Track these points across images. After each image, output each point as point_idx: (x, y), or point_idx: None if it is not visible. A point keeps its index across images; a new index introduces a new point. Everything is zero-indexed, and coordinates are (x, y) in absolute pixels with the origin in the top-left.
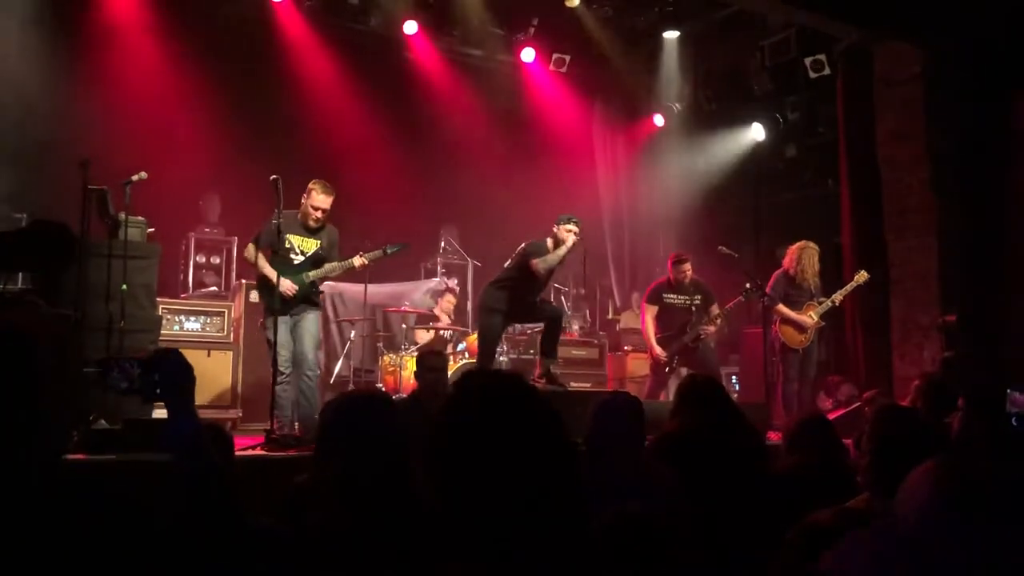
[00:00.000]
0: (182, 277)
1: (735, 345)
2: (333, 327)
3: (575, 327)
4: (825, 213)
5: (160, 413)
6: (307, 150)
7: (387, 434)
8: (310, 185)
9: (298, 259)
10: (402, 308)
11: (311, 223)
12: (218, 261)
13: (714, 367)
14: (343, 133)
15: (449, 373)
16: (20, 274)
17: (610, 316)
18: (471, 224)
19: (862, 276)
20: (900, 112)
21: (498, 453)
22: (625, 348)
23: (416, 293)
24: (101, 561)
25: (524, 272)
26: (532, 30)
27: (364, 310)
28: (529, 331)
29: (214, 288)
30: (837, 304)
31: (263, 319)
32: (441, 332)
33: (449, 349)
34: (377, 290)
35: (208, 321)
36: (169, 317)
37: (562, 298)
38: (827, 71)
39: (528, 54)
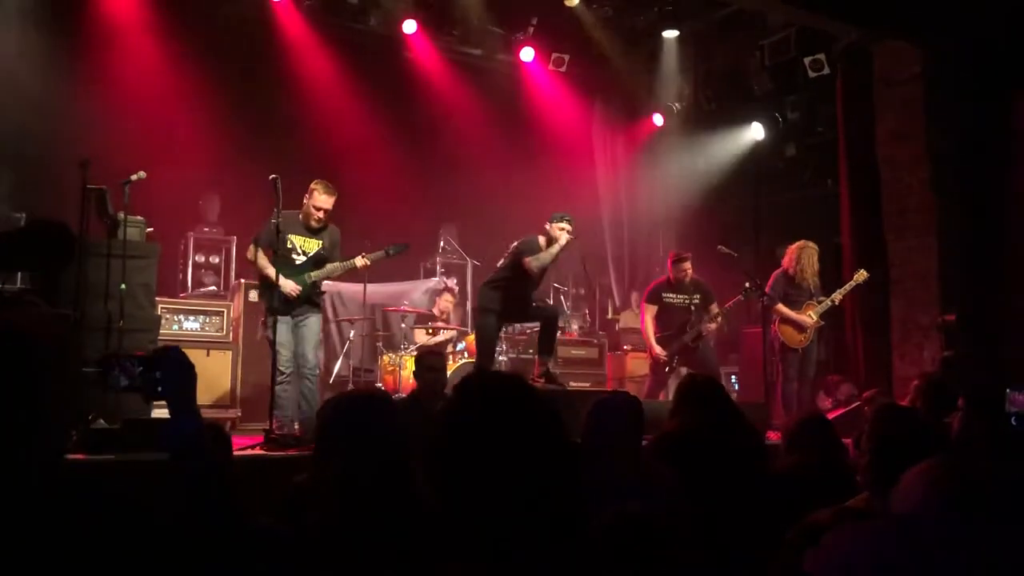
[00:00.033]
0: (181, 277)
1: (735, 345)
2: (332, 326)
3: (575, 327)
4: (825, 213)
5: (160, 412)
6: (306, 149)
7: (387, 434)
8: (312, 185)
9: (300, 259)
10: (401, 308)
11: (313, 223)
12: (217, 261)
13: (714, 367)
14: (342, 132)
15: (448, 373)
16: (19, 273)
17: (609, 316)
18: (470, 224)
19: (861, 275)
20: (900, 112)
21: (498, 453)
22: (625, 347)
23: (415, 292)
24: (101, 561)
25: (517, 271)
26: (531, 29)
27: (363, 309)
28: (528, 330)
29: (213, 288)
30: (837, 303)
31: (264, 318)
32: (440, 332)
33: (448, 349)
34: (376, 289)
35: (207, 321)
36: (168, 317)
37: (561, 298)
38: (827, 71)
39: (527, 53)
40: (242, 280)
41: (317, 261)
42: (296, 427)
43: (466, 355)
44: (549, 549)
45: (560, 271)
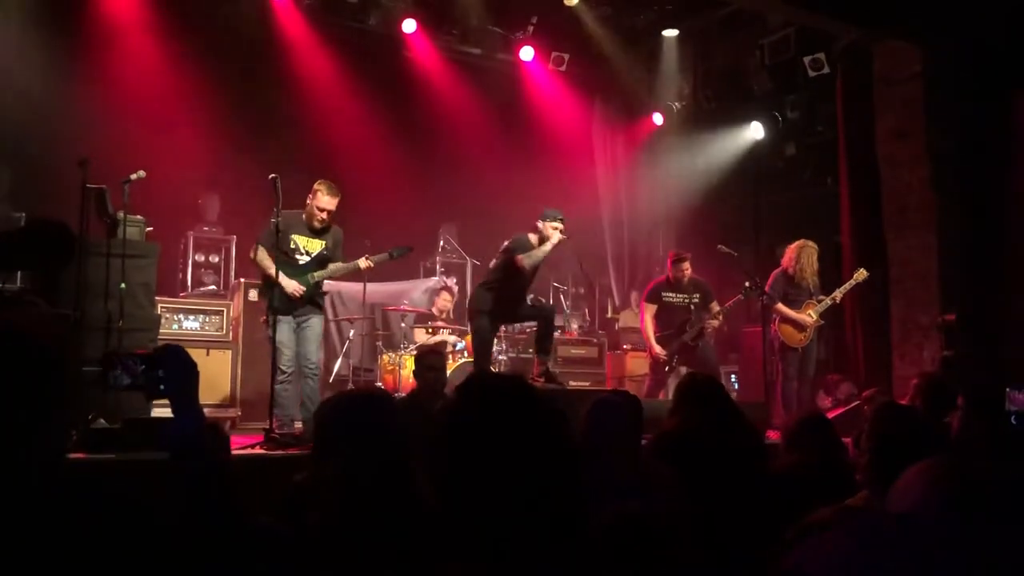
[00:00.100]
0: (181, 276)
1: (734, 344)
2: (332, 326)
3: (574, 326)
4: (824, 212)
5: (159, 412)
6: (306, 149)
7: (387, 433)
8: (316, 186)
9: (303, 259)
10: (401, 307)
11: (316, 224)
12: (217, 260)
13: (714, 366)
14: (342, 132)
15: (448, 372)
16: (19, 273)
17: (609, 315)
18: (470, 223)
19: (861, 274)
20: (900, 111)
21: (499, 454)
22: (624, 347)
23: (415, 292)
24: (101, 561)
25: (510, 271)
26: (531, 29)
27: (363, 309)
28: (528, 329)
29: (213, 287)
30: (837, 302)
31: (266, 317)
32: (440, 331)
33: (448, 348)
34: (376, 289)
35: (207, 320)
36: (168, 316)
37: (561, 297)
38: (826, 70)
39: (527, 53)
40: (242, 279)
41: (320, 261)
42: (297, 426)
43: (466, 355)
44: (549, 549)
45: (560, 270)
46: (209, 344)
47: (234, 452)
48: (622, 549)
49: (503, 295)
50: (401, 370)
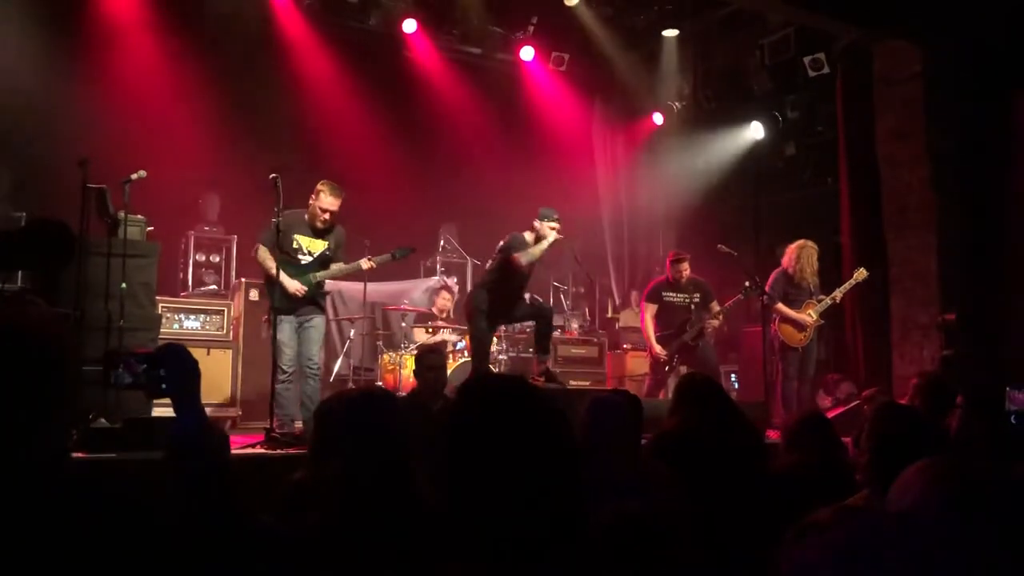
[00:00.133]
0: (181, 275)
1: (734, 344)
2: (332, 325)
3: (574, 325)
4: (824, 212)
5: (160, 411)
6: (306, 148)
7: (387, 433)
8: (319, 186)
9: (306, 259)
10: (402, 306)
11: (319, 224)
12: (217, 259)
13: (714, 366)
14: (342, 131)
15: (448, 372)
16: (19, 273)
17: (609, 314)
18: (470, 222)
19: (861, 274)
20: (900, 111)
21: (500, 455)
22: (624, 346)
23: (416, 291)
24: (101, 561)
25: (505, 271)
26: (531, 28)
27: (364, 308)
28: (528, 329)
29: (213, 287)
30: (837, 302)
31: (267, 316)
32: (441, 331)
33: (448, 348)
34: (377, 288)
35: (208, 319)
36: (168, 315)
37: (561, 296)
38: (826, 70)
39: (527, 53)
40: (243, 279)
41: (322, 262)
42: (297, 426)
43: (466, 354)
44: (549, 549)
45: (560, 270)
46: (210, 344)
47: (234, 452)
48: (622, 549)
49: (500, 295)
50: (401, 370)
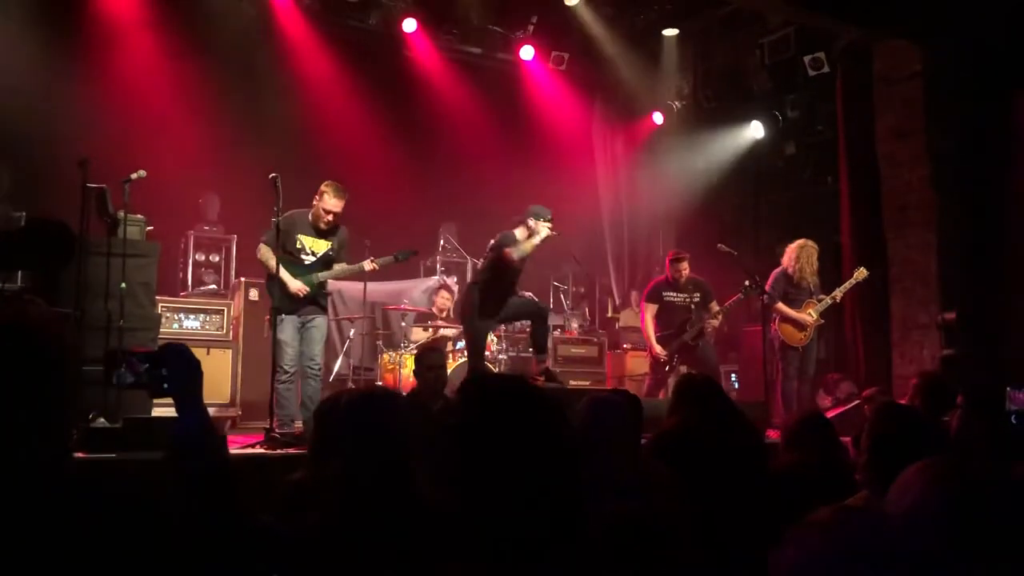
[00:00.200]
0: (181, 275)
1: (735, 343)
2: (332, 325)
3: (574, 325)
4: (824, 211)
5: (160, 411)
6: (306, 148)
7: (387, 432)
8: (322, 187)
9: (308, 259)
10: (402, 306)
11: (322, 225)
12: (217, 259)
13: (714, 365)
14: (342, 131)
15: (448, 371)
16: (19, 273)
17: (609, 314)
18: (470, 222)
19: (861, 273)
20: (900, 110)
21: (499, 455)
22: (624, 346)
23: (415, 291)
24: (101, 561)
25: (498, 268)
26: (531, 28)
27: (364, 308)
28: (528, 328)
29: (213, 286)
30: (837, 301)
31: (269, 315)
32: (440, 330)
33: (448, 347)
34: (377, 288)
35: (207, 319)
36: (168, 315)
37: (561, 296)
38: (826, 69)
39: (527, 52)
40: (242, 279)
41: (325, 262)
42: (297, 426)
43: (465, 353)
44: (549, 549)
45: (560, 270)
46: (209, 343)
47: (234, 452)
48: (622, 549)
49: (492, 292)
50: (401, 369)
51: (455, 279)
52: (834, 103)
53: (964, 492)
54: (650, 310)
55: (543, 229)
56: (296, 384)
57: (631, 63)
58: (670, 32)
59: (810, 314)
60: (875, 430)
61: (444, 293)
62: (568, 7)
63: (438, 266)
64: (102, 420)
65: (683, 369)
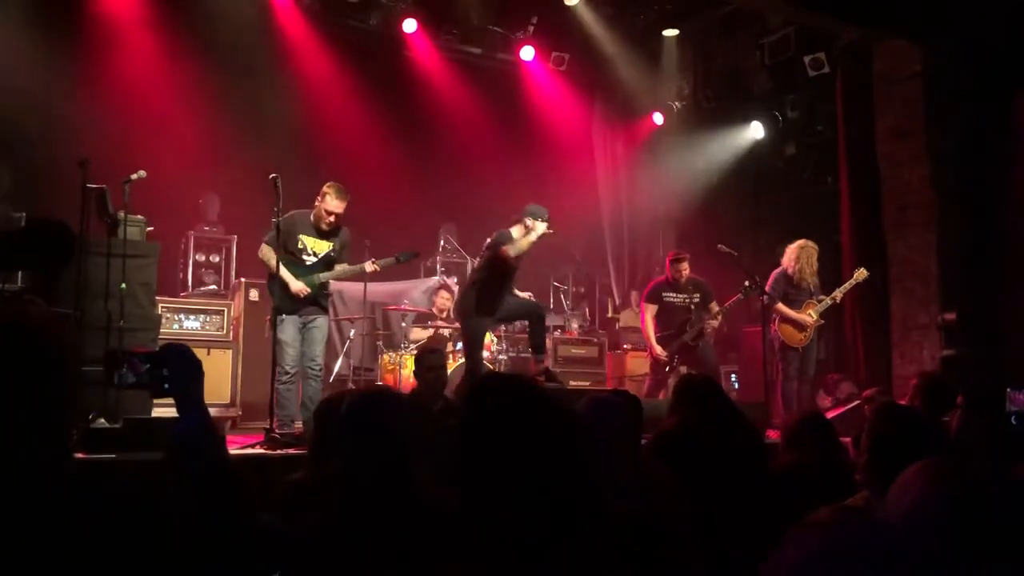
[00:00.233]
0: (181, 276)
1: (735, 344)
2: (333, 325)
3: (574, 325)
4: (824, 211)
5: (160, 411)
6: (306, 148)
7: (387, 432)
8: (325, 188)
9: (310, 260)
10: (402, 306)
11: (324, 226)
12: (217, 259)
13: (714, 366)
14: (342, 131)
15: (448, 372)
16: (19, 273)
17: (609, 315)
18: (470, 222)
19: (862, 273)
20: (900, 110)
21: (506, 454)
22: (624, 346)
23: (416, 291)
24: (101, 561)
25: (494, 267)
26: (531, 28)
27: (364, 308)
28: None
29: (213, 287)
30: (837, 302)
31: (271, 316)
32: (440, 330)
33: (448, 348)
34: (377, 288)
35: (207, 320)
36: (168, 316)
37: (561, 296)
38: (826, 69)
39: (527, 52)
40: (242, 279)
41: (327, 263)
42: (297, 426)
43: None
44: (549, 549)
45: (560, 270)
46: (210, 344)
47: (234, 452)
48: (622, 549)
49: (489, 291)
50: (401, 370)
51: (455, 279)
52: (834, 103)
53: (964, 492)
54: (650, 310)
55: (540, 227)
56: (297, 385)
57: (631, 63)
58: (670, 32)
59: (810, 314)
60: (875, 430)
61: (444, 293)
62: (568, 7)
63: (438, 266)
64: (102, 420)
65: (683, 369)
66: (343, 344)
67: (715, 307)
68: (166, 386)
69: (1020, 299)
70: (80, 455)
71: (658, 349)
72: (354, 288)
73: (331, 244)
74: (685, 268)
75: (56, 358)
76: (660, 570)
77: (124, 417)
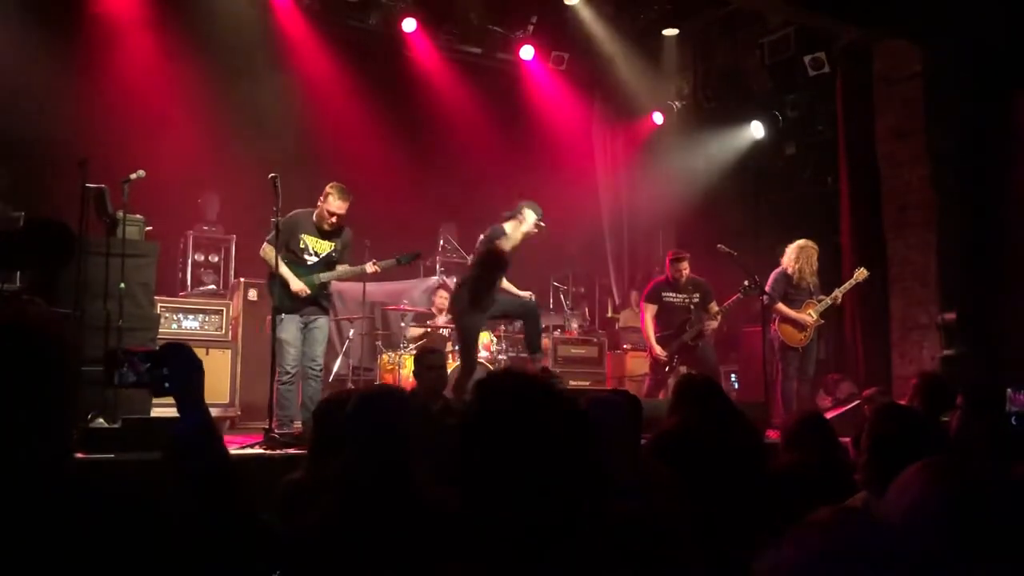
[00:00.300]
0: (180, 275)
1: (734, 344)
2: (332, 325)
3: (574, 325)
4: (824, 211)
5: (160, 411)
6: (306, 148)
7: (387, 432)
8: (327, 189)
9: (312, 260)
10: (401, 306)
11: (326, 226)
12: (216, 259)
13: (714, 366)
14: (342, 131)
15: (448, 371)
16: (19, 273)
17: (609, 314)
18: (470, 222)
19: (862, 273)
20: (900, 110)
21: (513, 454)
22: (624, 346)
23: (415, 291)
24: (101, 561)
25: (487, 262)
26: (531, 28)
27: (363, 308)
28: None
29: (212, 286)
30: (837, 302)
31: (271, 315)
32: (440, 330)
33: (448, 348)
34: (376, 288)
35: (206, 319)
36: (167, 315)
37: (561, 296)
38: (826, 69)
39: (527, 52)
40: (242, 279)
41: (328, 263)
42: (296, 426)
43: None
44: (549, 548)
45: (560, 270)
46: (209, 344)
47: (234, 452)
48: (622, 549)
49: (483, 287)
50: (401, 369)
51: (455, 279)
52: (834, 103)
53: (964, 492)
54: (650, 310)
55: (530, 217)
56: (297, 385)
57: (631, 63)
58: (670, 32)
59: (810, 314)
60: (875, 430)
61: (443, 293)
62: (568, 7)
63: (438, 266)
64: (101, 420)
65: (683, 369)
66: (342, 344)
67: (715, 307)
68: (166, 385)
69: (1020, 299)
70: (80, 455)
71: (658, 349)
72: (353, 288)
73: (333, 244)
74: (685, 268)
75: (56, 358)
76: (660, 570)
77: (123, 417)
